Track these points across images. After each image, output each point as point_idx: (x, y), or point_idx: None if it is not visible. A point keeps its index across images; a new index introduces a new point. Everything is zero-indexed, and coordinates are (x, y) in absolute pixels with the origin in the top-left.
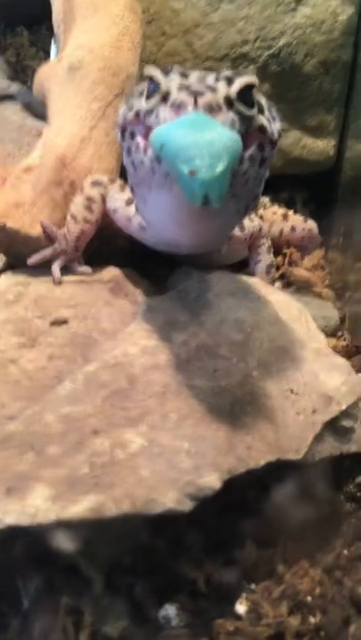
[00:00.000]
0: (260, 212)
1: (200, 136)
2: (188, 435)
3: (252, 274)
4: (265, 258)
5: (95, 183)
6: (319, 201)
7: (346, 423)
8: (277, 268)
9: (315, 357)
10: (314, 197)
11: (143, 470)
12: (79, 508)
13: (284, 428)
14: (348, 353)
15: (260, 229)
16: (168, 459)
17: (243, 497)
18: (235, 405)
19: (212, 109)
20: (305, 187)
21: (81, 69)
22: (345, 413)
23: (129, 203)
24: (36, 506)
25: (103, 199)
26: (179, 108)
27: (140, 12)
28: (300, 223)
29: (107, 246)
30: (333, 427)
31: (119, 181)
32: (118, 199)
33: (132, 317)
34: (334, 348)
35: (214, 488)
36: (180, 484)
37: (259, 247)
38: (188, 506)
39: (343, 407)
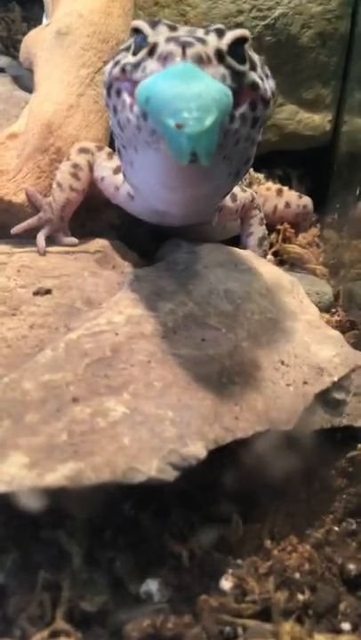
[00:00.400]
0: (254, 187)
1: (188, 87)
2: (173, 403)
3: (243, 246)
4: (257, 230)
5: (82, 150)
6: (315, 177)
7: (337, 395)
8: (271, 245)
9: (307, 329)
10: (309, 174)
11: (125, 439)
12: (56, 475)
13: (273, 399)
14: (341, 328)
15: (253, 200)
16: (151, 427)
17: (230, 469)
18: (222, 375)
19: (201, 61)
20: (300, 163)
21: (69, 35)
22: (337, 385)
23: (117, 171)
24: (11, 474)
25: (90, 167)
26: (166, 59)
27: None
28: (294, 199)
29: (94, 218)
30: (324, 399)
31: (107, 149)
32: (106, 167)
33: (118, 288)
34: (328, 323)
35: (199, 457)
36: (163, 453)
37: (251, 219)
38: (171, 475)
39: (335, 379)
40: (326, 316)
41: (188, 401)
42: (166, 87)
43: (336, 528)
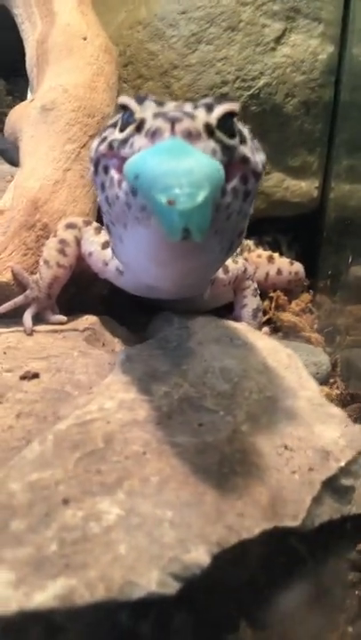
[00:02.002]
0: (245, 255)
1: (178, 163)
2: (171, 501)
3: (237, 319)
4: (251, 301)
5: (69, 225)
6: (304, 243)
7: (345, 482)
8: (264, 313)
9: (308, 408)
10: (299, 239)
11: (120, 546)
12: (46, 595)
13: (278, 489)
14: (342, 401)
15: (245, 271)
16: (149, 531)
17: (233, 571)
18: (223, 465)
19: (190, 136)
20: (289, 229)
21: (54, 110)
22: (344, 471)
23: (105, 246)
24: None
25: (78, 242)
26: (154, 135)
27: (115, 54)
28: (286, 266)
29: (83, 293)
30: (332, 486)
31: (94, 224)
32: (94, 242)
33: (109, 368)
34: (328, 397)
35: (202, 565)
36: (163, 562)
37: (244, 290)
38: (172, 588)
39: (342, 464)
40: (326, 389)
41: (187, 497)
42: (156, 163)
43: (351, 629)
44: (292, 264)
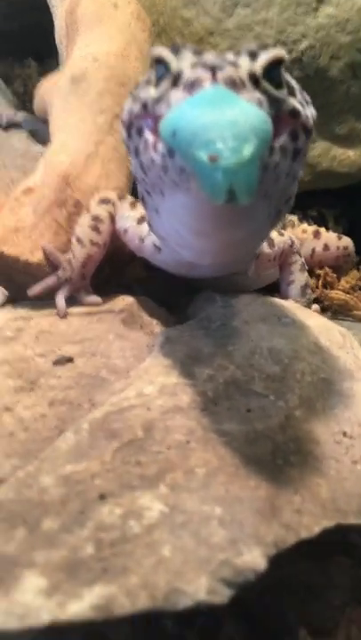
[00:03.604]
0: (289, 231)
1: (221, 114)
2: (220, 496)
3: (284, 296)
4: (298, 277)
5: (103, 201)
6: (352, 217)
7: None
8: (311, 291)
9: None
10: (346, 213)
11: (164, 548)
12: (82, 605)
13: (339, 482)
14: None
15: (292, 244)
16: (196, 530)
17: (290, 568)
18: (276, 455)
19: (234, 85)
20: (336, 202)
21: (85, 80)
22: None
23: (141, 221)
24: (25, 603)
25: (112, 218)
26: (193, 85)
27: (148, 21)
28: (333, 241)
29: (118, 273)
30: None
31: (130, 198)
32: (129, 217)
33: (148, 351)
34: None
35: (257, 569)
36: (212, 566)
37: (291, 265)
38: (223, 595)
39: None
40: None
41: (238, 492)
42: (196, 116)
43: None
44: (340, 238)
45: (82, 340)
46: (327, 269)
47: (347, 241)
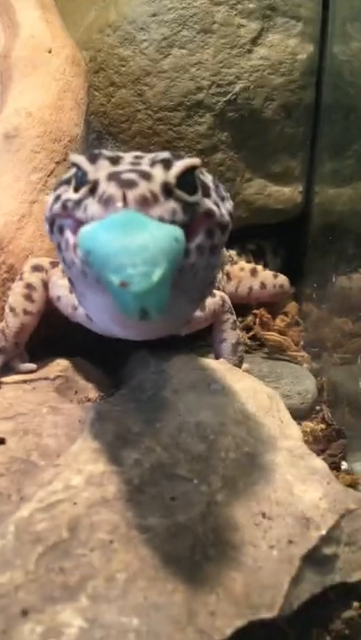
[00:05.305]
0: (227, 268)
1: (131, 239)
2: (139, 604)
3: (216, 354)
4: (230, 335)
5: (35, 268)
6: (290, 248)
7: (327, 550)
8: (249, 329)
9: (288, 462)
10: (284, 244)
11: None
12: None
13: (253, 572)
14: (327, 437)
15: (223, 303)
16: None
17: None
18: (195, 550)
19: (145, 202)
20: (273, 234)
21: (18, 137)
22: (325, 539)
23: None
24: None
25: (45, 285)
26: (107, 202)
27: (83, 63)
28: (270, 279)
29: (54, 335)
30: (313, 558)
31: (61, 266)
32: (62, 286)
33: (79, 427)
34: (312, 434)
35: None
36: None
37: (222, 324)
38: None
39: (323, 532)
40: (310, 424)
41: (156, 598)
42: (108, 240)
43: None
44: (276, 277)
45: (15, 416)
46: (263, 311)
47: (283, 279)
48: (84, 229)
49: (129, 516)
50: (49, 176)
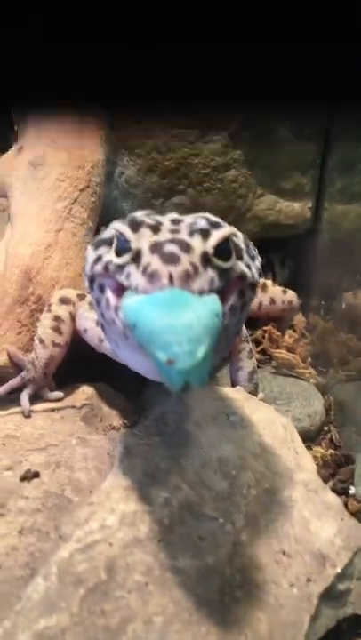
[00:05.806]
0: None
1: (176, 318)
2: None
3: (233, 381)
4: (246, 364)
5: (63, 300)
6: (298, 261)
7: (341, 586)
8: (258, 343)
9: (304, 497)
10: (292, 257)
11: None
12: None
13: (276, 611)
14: (336, 463)
15: (241, 334)
16: None
17: None
18: (224, 592)
19: (188, 276)
20: (282, 248)
21: (43, 165)
22: (340, 576)
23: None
24: None
25: (72, 318)
26: (152, 277)
27: None
28: (279, 295)
29: (80, 361)
30: (328, 595)
31: (88, 297)
32: (89, 318)
33: (108, 461)
34: (322, 458)
35: None
36: None
37: (240, 352)
38: None
39: (338, 570)
40: (320, 449)
41: None
42: (155, 317)
43: None
44: (285, 292)
45: (46, 447)
46: (272, 328)
47: (291, 295)
48: (130, 302)
49: (162, 558)
50: (73, 204)
